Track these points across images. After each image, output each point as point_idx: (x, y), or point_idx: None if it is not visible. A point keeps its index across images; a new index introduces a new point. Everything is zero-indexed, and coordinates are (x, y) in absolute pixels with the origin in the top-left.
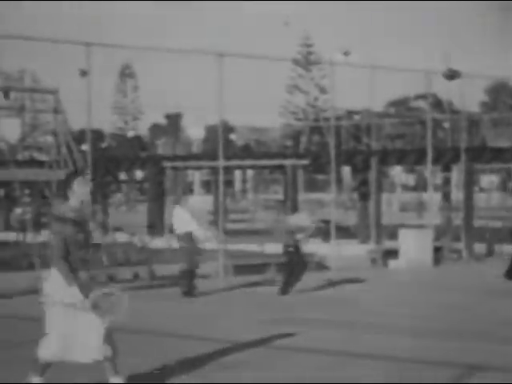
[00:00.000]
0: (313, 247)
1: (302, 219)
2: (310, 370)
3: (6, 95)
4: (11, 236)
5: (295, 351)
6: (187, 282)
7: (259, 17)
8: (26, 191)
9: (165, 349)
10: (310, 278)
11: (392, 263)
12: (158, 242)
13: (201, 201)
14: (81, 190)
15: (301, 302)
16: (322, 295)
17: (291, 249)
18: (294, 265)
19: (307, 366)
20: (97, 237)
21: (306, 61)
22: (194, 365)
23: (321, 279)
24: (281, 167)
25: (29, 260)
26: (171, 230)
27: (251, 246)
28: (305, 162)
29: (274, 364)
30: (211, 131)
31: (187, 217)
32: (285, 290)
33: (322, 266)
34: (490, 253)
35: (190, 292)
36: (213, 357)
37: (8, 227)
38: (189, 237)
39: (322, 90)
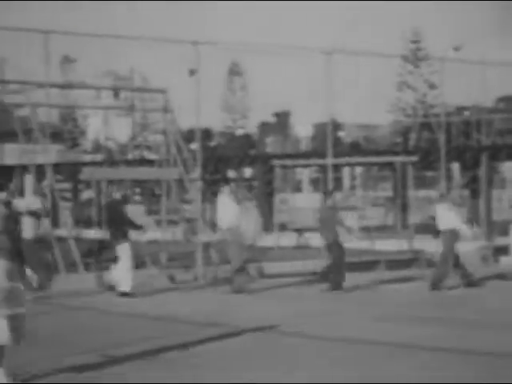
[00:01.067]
0: (422, 244)
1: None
2: (424, 369)
3: (116, 95)
4: None
5: (400, 348)
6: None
7: (367, 14)
8: (137, 190)
9: (274, 346)
10: (420, 275)
11: (503, 260)
12: (266, 240)
13: (309, 198)
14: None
15: (413, 300)
16: (440, 293)
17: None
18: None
19: (416, 365)
20: (207, 235)
21: (415, 57)
22: (300, 361)
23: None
24: (390, 164)
25: (140, 259)
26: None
27: (361, 243)
28: (414, 158)
29: (380, 362)
30: (319, 129)
31: (451, 214)
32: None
33: (431, 264)
34: None
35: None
36: (323, 353)
37: None
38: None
39: (432, 86)
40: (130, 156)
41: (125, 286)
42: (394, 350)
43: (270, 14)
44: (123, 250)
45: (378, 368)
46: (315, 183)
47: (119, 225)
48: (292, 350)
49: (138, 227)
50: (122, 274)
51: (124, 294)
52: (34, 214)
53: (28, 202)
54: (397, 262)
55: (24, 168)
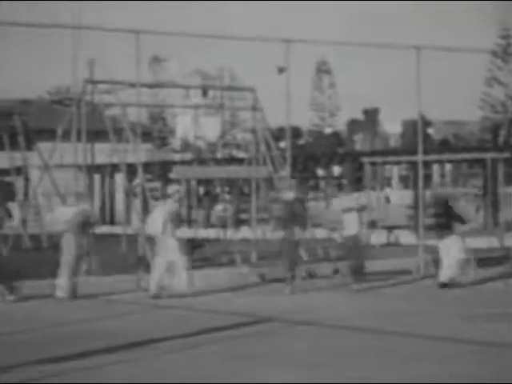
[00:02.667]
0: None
1: None
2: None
3: (205, 93)
4: (212, 233)
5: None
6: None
7: (456, 9)
8: (226, 189)
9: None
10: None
11: None
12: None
13: (399, 196)
14: None
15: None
16: None
17: None
18: None
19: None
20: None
21: (505, 52)
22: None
23: None
24: (480, 161)
25: (230, 256)
26: None
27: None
28: (506, 155)
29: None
30: (408, 126)
31: None
32: None
33: None
34: None
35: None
36: (398, 351)
37: (209, 224)
38: None
39: None
40: (218, 154)
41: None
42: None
43: (358, 12)
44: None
45: (483, 366)
46: (404, 180)
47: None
48: (390, 348)
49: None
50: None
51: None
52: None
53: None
54: (488, 260)
55: (114, 167)
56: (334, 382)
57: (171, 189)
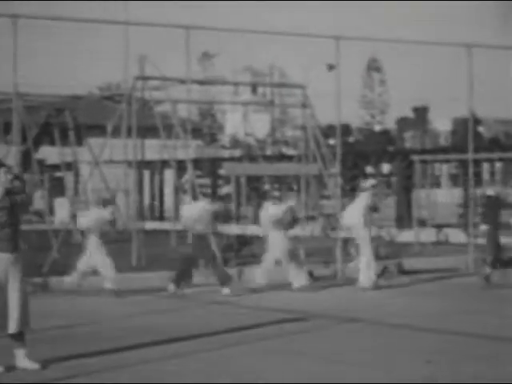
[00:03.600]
0: None
1: None
2: None
3: (254, 90)
4: (260, 230)
5: None
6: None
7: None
8: (276, 186)
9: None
10: None
11: None
12: (406, 236)
13: (449, 194)
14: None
15: None
16: None
17: None
18: None
19: None
20: (346, 230)
21: None
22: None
23: None
24: None
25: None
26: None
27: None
28: None
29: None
30: (459, 123)
31: None
32: None
33: None
34: None
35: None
36: (447, 350)
37: (258, 221)
38: None
39: None
40: (268, 151)
41: None
42: None
43: (407, 9)
44: None
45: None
46: (454, 178)
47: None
48: (439, 347)
49: None
50: None
51: None
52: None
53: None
54: None
55: (164, 163)
56: (383, 382)
57: (369, 182)
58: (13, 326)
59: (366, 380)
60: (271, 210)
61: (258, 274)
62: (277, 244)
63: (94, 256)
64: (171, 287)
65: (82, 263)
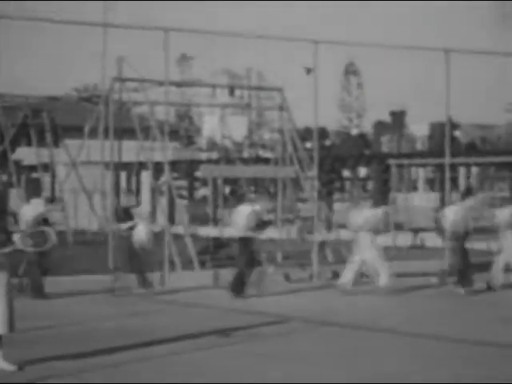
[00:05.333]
0: None
1: None
2: None
3: (232, 93)
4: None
5: None
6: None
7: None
8: (252, 188)
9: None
10: None
11: None
12: (383, 240)
13: (425, 198)
14: None
15: None
16: None
17: None
18: None
19: None
20: (322, 233)
21: None
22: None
23: None
24: (507, 164)
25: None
26: None
27: (477, 244)
28: None
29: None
30: (435, 128)
31: None
32: None
33: None
34: None
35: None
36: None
37: (234, 224)
38: None
39: None
40: (245, 154)
41: None
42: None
43: (385, 14)
44: None
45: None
46: (431, 183)
47: None
48: (410, 350)
49: None
50: None
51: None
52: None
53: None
54: None
55: (141, 165)
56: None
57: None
58: None
59: (327, 380)
60: (364, 213)
61: (347, 277)
62: (366, 246)
63: None
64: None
65: None
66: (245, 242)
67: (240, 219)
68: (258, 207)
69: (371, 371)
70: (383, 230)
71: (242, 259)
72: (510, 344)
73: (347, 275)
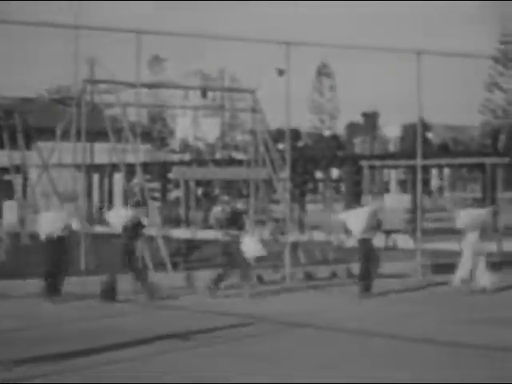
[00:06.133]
0: None
1: None
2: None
3: (204, 95)
4: (210, 234)
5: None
6: None
7: (457, 14)
8: (225, 190)
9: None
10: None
11: None
12: (355, 241)
13: (397, 200)
14: None
15: (495, 302)
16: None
17: None
18: None
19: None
20: (295, 235)
21: (506, 58)
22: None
23: None
24: (479, 166)
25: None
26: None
27: (449, 245)
28: (506, 160)
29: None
30: (408, 129)
31: None
32: None
33: None
34: None
35: None
36: (386, 353)
37: (207, 225)
38: None
39: None
40: (218, 156)
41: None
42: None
43: (359, 14)
44: None
45: (476, 369)
46: (403, 184)
47: None
48: (381, 351)
49: None
50: None
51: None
52: None
53: None
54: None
55: (113, 167)
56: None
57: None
58: None
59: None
60: (474, 213)
61: (485, 278)
62: (473, 244)
63: None
64: None
65: None
66: (364, 243)
67: (359, 220)
68: (374, 207)
69: (335, 374)
70: (491, 230)
71: (363, 261)
72: (483, 345)
73: (461, 273)
